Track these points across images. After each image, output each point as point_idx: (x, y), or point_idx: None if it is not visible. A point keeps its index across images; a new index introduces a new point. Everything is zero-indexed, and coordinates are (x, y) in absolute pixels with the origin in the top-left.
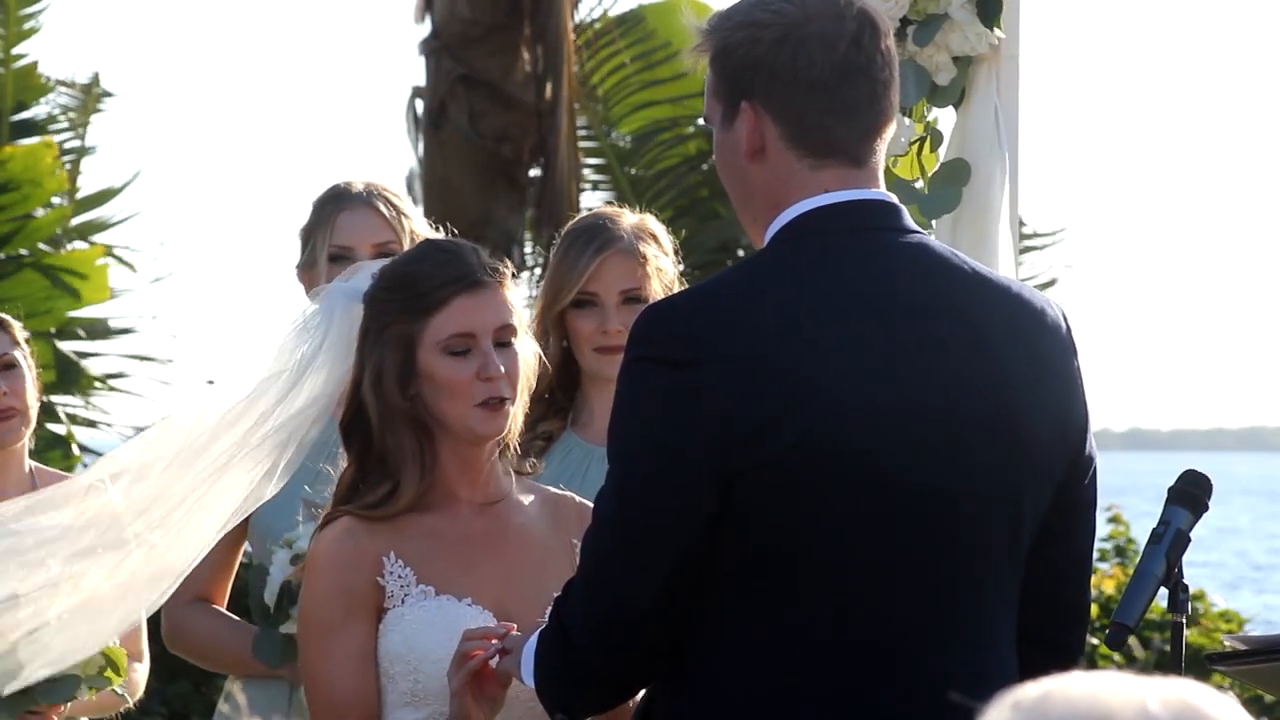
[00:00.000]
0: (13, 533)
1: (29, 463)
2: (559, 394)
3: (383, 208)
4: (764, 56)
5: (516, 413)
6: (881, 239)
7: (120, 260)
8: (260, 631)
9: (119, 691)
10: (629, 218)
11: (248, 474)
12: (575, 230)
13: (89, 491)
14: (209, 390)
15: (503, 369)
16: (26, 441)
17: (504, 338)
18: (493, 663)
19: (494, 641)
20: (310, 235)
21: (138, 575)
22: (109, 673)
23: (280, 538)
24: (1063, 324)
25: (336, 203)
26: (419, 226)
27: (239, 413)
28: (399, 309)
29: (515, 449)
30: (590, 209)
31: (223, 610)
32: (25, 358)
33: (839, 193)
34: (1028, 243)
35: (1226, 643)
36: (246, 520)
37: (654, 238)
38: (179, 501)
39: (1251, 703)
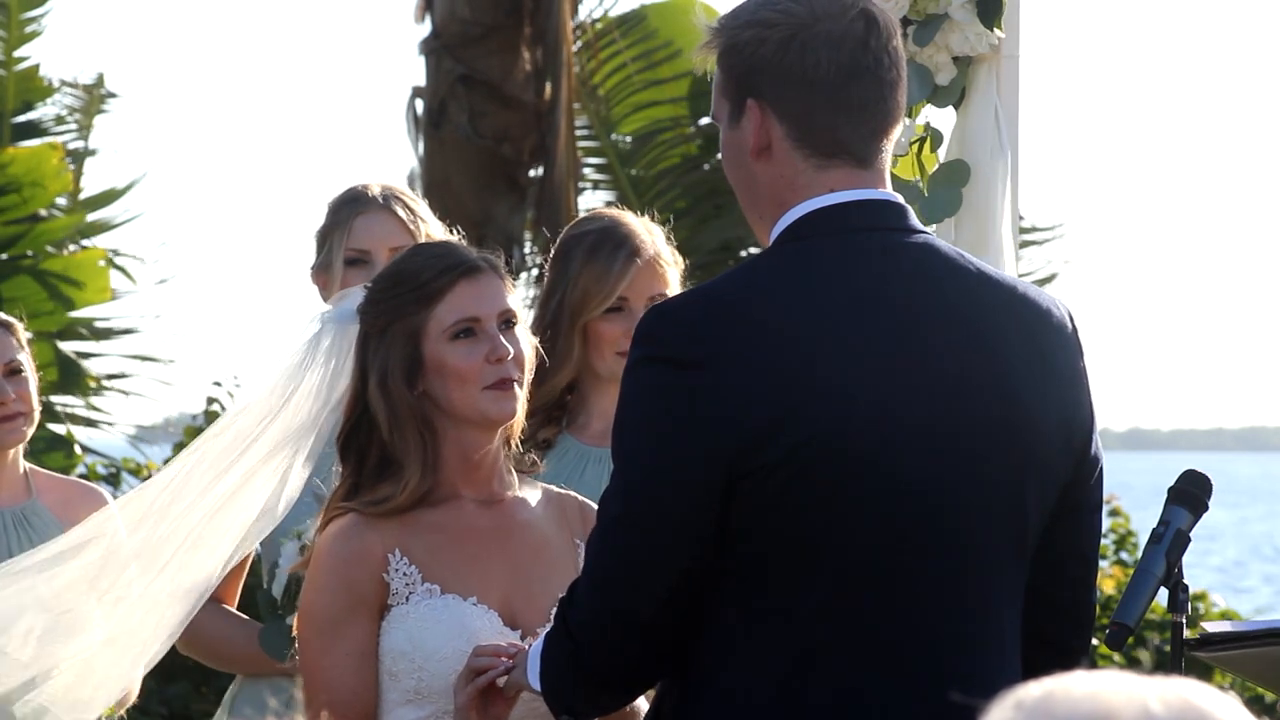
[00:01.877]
0: (30, 584)
1: (24, 464)
2: (557, 396)
3: (400, 211)
4: (771, 56)
5: (522, 400)
6: (887, 239)
7: (121, 270)
8: (267, 624)
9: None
10: (638, 222)
11: (258, 492)
12: (593, 236)
13: (97, 534)
14: (216, 426)
15: (510, 351)
16: (23, 444)
17: (507, 321)
18: (500, 681)
19: (503, 660)
20: (326, 238)
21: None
22: None
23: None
24: (1068, 324)
25: (353, 206)
26: (435, 230)
27: (245, 437)
28: (400, 304)
29: (517, 445)
30: (590, 209)
31: (233, 610)
32: (29, 360)
33: (845, 192)
34: (1026, 237)
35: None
36: None
37: (662, 239)
38: (189, 532)
39: (1253, 703)
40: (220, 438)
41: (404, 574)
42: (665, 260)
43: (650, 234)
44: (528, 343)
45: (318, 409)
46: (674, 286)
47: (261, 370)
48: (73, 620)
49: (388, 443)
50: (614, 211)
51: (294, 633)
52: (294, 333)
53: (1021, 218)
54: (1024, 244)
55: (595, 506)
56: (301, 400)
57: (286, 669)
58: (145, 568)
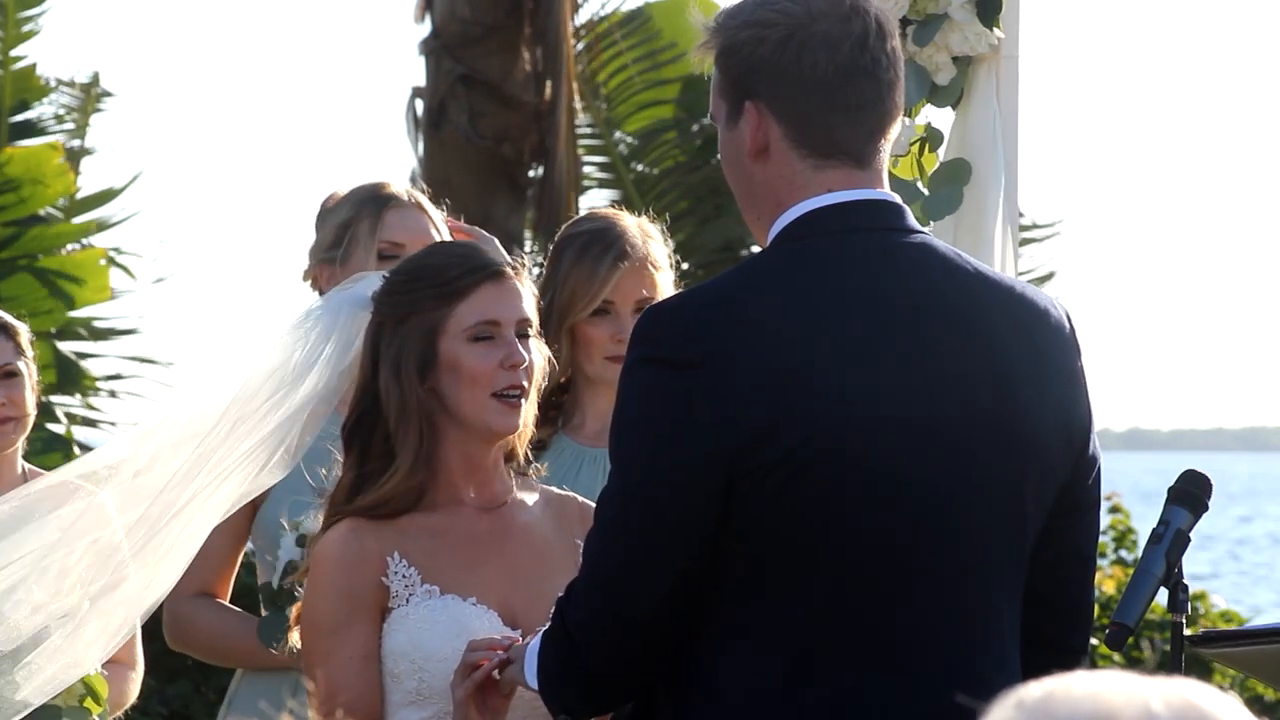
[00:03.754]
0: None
1: (22, 464)
2: (552, 397)
3: (429, 207)
4: (768, 56)
5: (528, 414)
6: (885, 239)
7: (118, 265)
8: (267, 615)
9: None
10: (632, 222)
11: (243, 471)
12: (585, 237)
13: (74, 494)
14: (203, 386)
15: (525, 359)
16: (20, 444)
17: (524, 330)
18: (496, 673)
19: (499, 652)
20: (347, 229)
21: (129, 590)
22: (89, 702)
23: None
24: (1066, 324)
25: (381, 200)
26: (445, 234)
27: (234, 409)
28: (421, 298)
29: (526, 454)
30: (591, 209)
31: (226, 604)
32: (27, 364)
33: (842, 193)
34: (1025, 234)
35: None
36: (251, 517)
37: (657, 242)
38: (171, 504)
39: (1253, 702)
40: (232, 399)
41: (403, 576)
42: (656, 263)
43: (644, 236)
44: (540, 353)
45: (324, 385)
46: (665, 290)
47: (264, 343)
48: (64, 577)
49: (392, 434)
50: (611, 212)
51: (291, 624)
52: (299, 313)
53: (1021, 215)
54: (1023, 242)
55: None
56: (321, 371)
57: (284, 662)
58: (151, 521)
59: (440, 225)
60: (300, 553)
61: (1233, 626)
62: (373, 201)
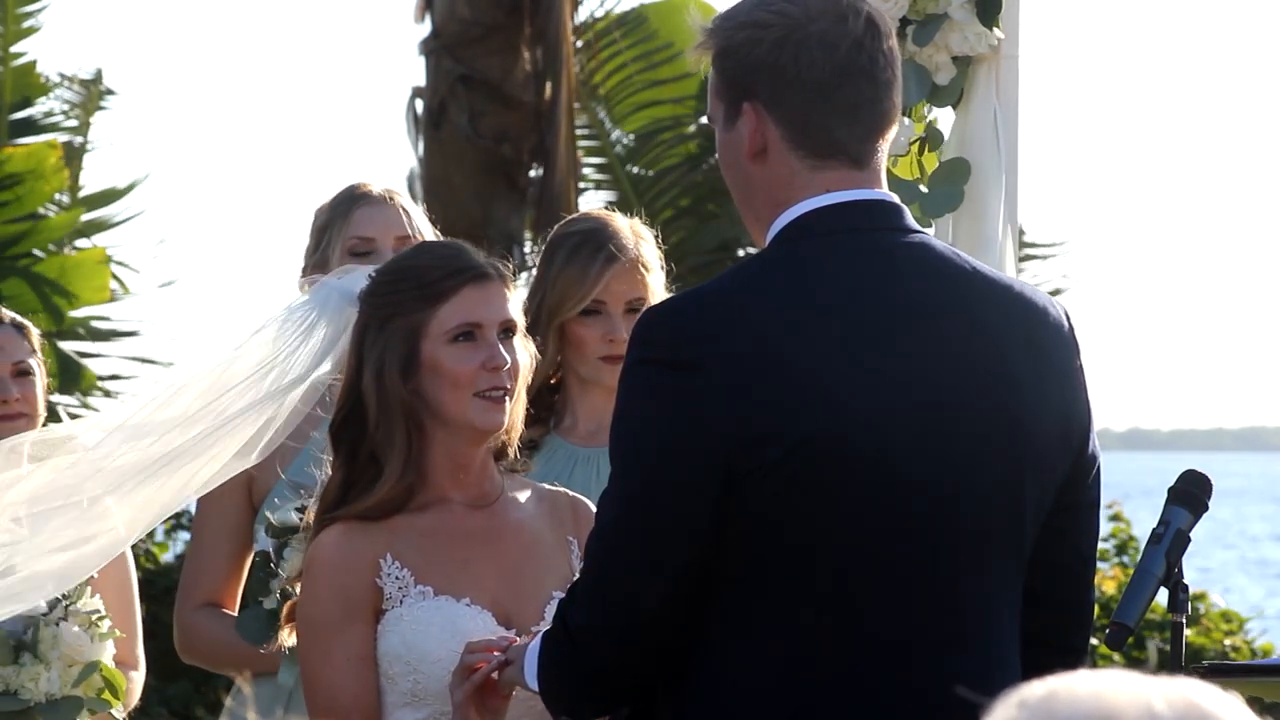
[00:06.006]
0: None
1: None
2: (544, 397)
3: (403, 203)
4: (766, 57)
5: (516, 411)
6: (883, 239)
7: (119, 275)
8: (242, 612)
9: (116, 716)
10: (624, 223)
11: (221, 450)
12: (576, 237)
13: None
14: (188, 364)
15: (507, 361)
16: None
17: (508, 331)
18: (495, 674)
19: (496, 654)
20: (325, 232)
21: (87, 540)
22: (107, 694)
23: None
24: (1065, 323)
25: (352, 200)
26: (426, 232)
27: (218, 387)
28: (404, 299)
29: (515, 453)
30: (585, 210)
31: (233, 614)
32: (39, 363)
33: (841, 193)
34: (1028, 251)
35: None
36: (251, 522)
37: (648, 243)
38: (143, 469)
39: (1253, 702)
40: (214, 374)
41: (396, 578)
42: (647, 264)
43: (636, 237)
44: (524, 353)
45: (308, 371)
46: (655, 291)
47: (254, 328)
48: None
49: (373, 436)
50: (602, 212)
51: (272, 615)
52: (288, 302)
53: (1023, 232)
54: (1026, 257)
55: (586, 502)
56: (302, 358)
57: (263, 648)
58: (121, 478)
59: (421, 221)
60: (271, 544)
61: (1233, 627)
62: (345, 202)
